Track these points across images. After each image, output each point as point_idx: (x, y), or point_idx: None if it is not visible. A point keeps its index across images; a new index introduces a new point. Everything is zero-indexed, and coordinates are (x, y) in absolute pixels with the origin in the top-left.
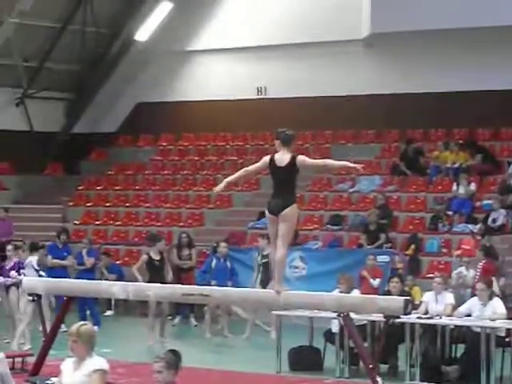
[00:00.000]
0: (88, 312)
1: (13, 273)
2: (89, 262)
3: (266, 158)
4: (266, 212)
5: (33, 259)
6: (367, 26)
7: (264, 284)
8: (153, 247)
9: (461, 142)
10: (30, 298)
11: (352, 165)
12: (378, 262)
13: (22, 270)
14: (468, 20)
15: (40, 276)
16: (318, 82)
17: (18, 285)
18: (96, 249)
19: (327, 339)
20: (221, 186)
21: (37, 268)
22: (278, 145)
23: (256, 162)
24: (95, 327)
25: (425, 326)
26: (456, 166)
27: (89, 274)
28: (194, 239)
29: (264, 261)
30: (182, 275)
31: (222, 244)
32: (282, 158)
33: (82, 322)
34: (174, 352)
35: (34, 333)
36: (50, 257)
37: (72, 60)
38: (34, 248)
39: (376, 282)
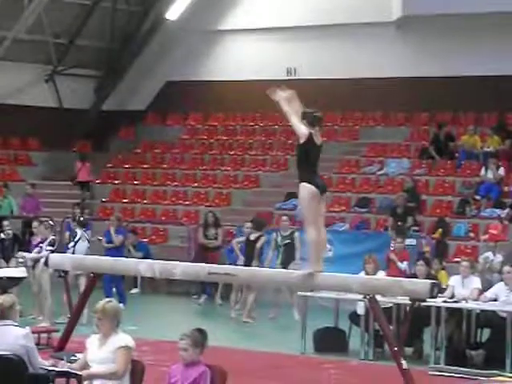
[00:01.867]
0: (114, 289)
1: (39, 249)
2: (117, 240)
3: (305, 131)
4: (315, 189)
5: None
6: (399, 8)
7: (285, 265)
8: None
9: (493, 126)
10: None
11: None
12: (405, 245)
13: (47, 247)
14: (499, 4)
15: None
16: (347, 63)
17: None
18: (124, 227)
19: (352, 321)
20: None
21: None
22: (305, 124)
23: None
24: (121, 304)
25: (450, 309)
26: (485, 150)
27: (116, 251)
28: (221, 219)
29: (286, 242)
30: (207, 254)
31: (247, 224)
32: (318, 136)
33: (107, 299)
34: (200, 330)
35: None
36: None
37: (102, 37)
38: (81, 224)
39: (403, 265)
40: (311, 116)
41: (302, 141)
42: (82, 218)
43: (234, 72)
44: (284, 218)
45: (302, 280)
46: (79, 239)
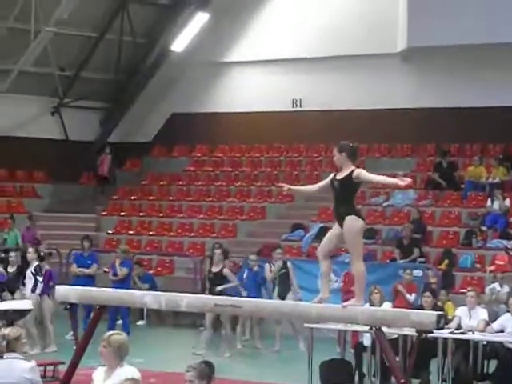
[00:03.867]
0: (120, 321)
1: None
2: (121, 272)
3: (331, 175)
4: (363, 223)
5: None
6: (404, 40)
7: (282, 296)
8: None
9: (499, 156)
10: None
11: (402, 183)
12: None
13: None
14: (503, 35)
15: (36, 281)
16: (353, 95)
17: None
18: (130, 259)
19: (358, 353)
20: (292, 188)
21: (33, 273)
22: (345, 158)
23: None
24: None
25: (457, 341)
26: (491, 181)
27: (122, 284)
28: (229, 250)
29: (282, 272)
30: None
31: (252, 257)
32: (343, 171)
33: (113, 331)
34: (207, 363)
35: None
36: (74, 265)
37: (108, 69)
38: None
39: (412, 297)
40: (351, 148)
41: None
42: (42, 253)
43: (240, 104)
44: (278, 250)
45: (309, 311)
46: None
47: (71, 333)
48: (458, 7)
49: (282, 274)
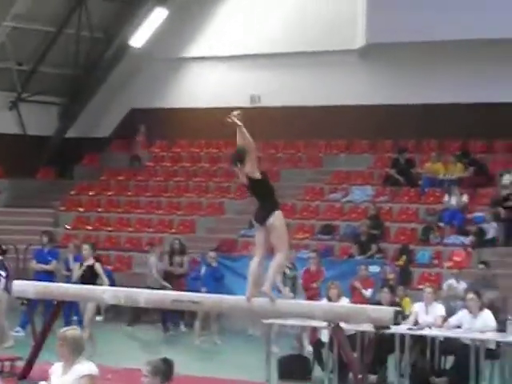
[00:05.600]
0: (75, 317)
1: None
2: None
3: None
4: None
5: None
6: (362, 37)
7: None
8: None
9: (457, 153)
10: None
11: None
12: (369, 273)
13: None
14: (461, 32)
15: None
16: (312, 91)
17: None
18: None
19: (316, 348)
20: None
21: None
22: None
23: None
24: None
25: (415, 337)
26: (448, 177)
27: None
28: (186, 246)
29: (293, 275)
30: (172, 281)
31: (211, 253)
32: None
33: (69, 327)
34: (164, 360)
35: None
36: (34, 261)
37: (66, 64)
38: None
39: (368, 293)
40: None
41: (259, 176)
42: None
43: (199, 99)
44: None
45: (267, 307)
46: None
47: (18, 328)
48: (416, 4)
49: (294, 276)
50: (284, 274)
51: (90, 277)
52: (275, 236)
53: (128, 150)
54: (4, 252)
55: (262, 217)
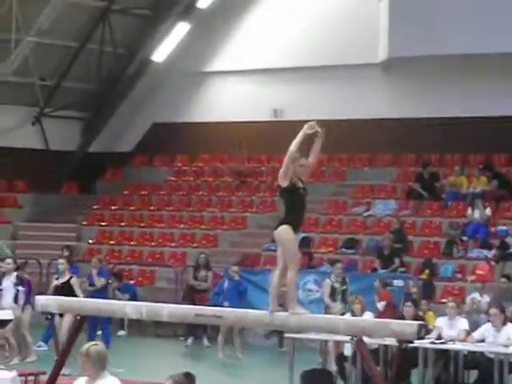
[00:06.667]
0: (99, 332)
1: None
2: (99, 282)
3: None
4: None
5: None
6: (385, 51)
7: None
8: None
9: (480, 166)
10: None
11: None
12: (391, 287)
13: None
14: (484, 46)
15: (18, 291)
16: (333, 105)
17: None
18: (107, 269)
19: (339, 363)
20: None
21: (16, 283)
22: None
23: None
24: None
25: (438, 351)
26: (472, 190)
27: (100, 294)
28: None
29: (343, 288)
30: (195, 296)
31: (233, 267)
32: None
33: (92, 342)
34: (186, 374)
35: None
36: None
37: (89, 79)
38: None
39: (380, 305)
40: None
41: (285, 185)
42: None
43: (221, 113)
44: (338, 265)
45: (290, 321)
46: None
47: (40, 343)
48: (439, 17)
49: (344, 291)
50: (333, 288)
51: (66, 293)
52: (281, 251)
53: (149, 165)
54: (18, 267)
55: (275, 228)
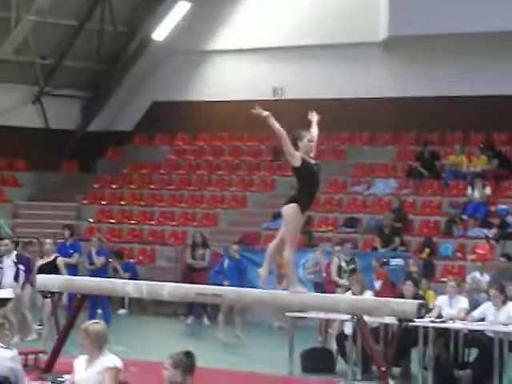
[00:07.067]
0: (100, 311)
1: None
2: (99, 261)
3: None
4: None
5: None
6: (385, 29)
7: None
8: None
9: (481, 145)
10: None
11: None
12: (390, 266)
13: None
14: (486, 24)
15: (18, 270)
16: (334, 83)
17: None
18: (106, 248)
19: (339, 341)
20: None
21: (15, 261)
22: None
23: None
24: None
25: (438, 329)
26: (472, 170)
27: (99, 273)
28: (208, 239)
29: (351, 267)
30: (194, 275)
31: (233, 246)
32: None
33: (93, 321)
34: (186, 353)
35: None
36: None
37: (89, 58)
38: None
39: (377, 285)
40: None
41: (298, 164)
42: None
43: (221, 92)
44: (347, 245)
45: (291, 300)
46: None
47: (38, 323)
48: None
49: (352, 270)
50: (340, 267)
51: (50, 272)
52: (284, 228)
53: (149, 143)
54: (17, 245)
55: (284, 204)
